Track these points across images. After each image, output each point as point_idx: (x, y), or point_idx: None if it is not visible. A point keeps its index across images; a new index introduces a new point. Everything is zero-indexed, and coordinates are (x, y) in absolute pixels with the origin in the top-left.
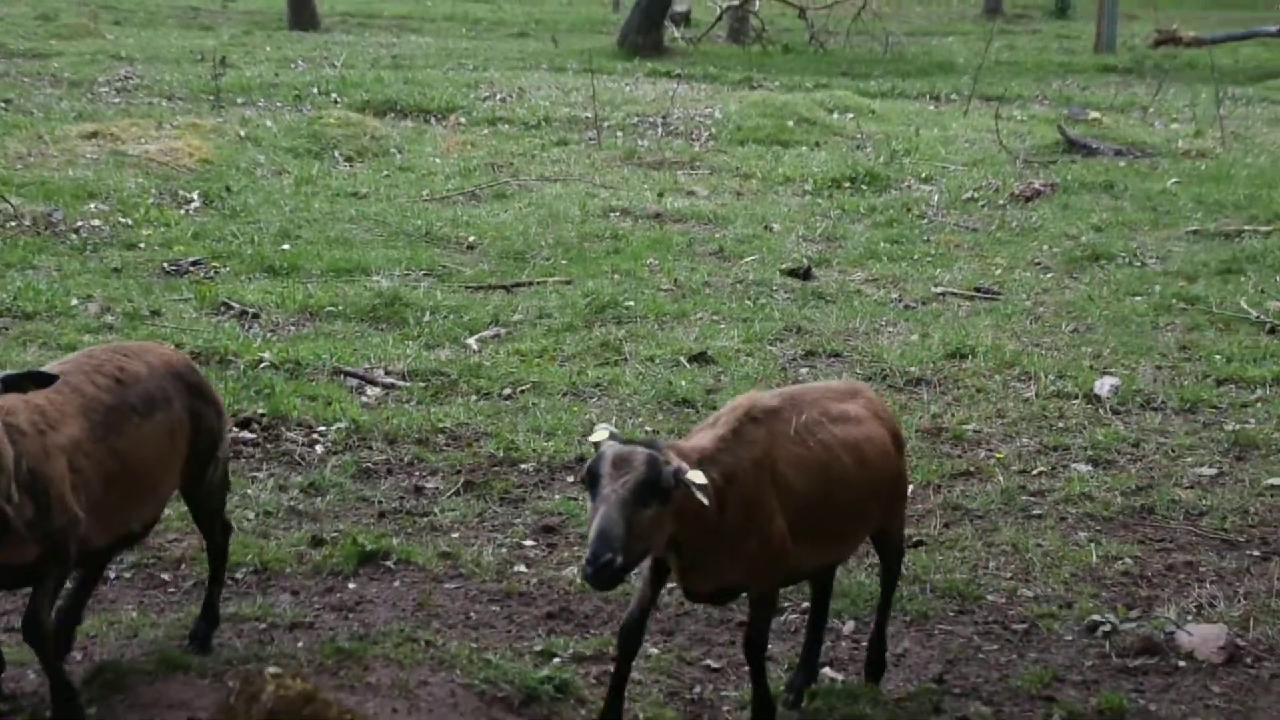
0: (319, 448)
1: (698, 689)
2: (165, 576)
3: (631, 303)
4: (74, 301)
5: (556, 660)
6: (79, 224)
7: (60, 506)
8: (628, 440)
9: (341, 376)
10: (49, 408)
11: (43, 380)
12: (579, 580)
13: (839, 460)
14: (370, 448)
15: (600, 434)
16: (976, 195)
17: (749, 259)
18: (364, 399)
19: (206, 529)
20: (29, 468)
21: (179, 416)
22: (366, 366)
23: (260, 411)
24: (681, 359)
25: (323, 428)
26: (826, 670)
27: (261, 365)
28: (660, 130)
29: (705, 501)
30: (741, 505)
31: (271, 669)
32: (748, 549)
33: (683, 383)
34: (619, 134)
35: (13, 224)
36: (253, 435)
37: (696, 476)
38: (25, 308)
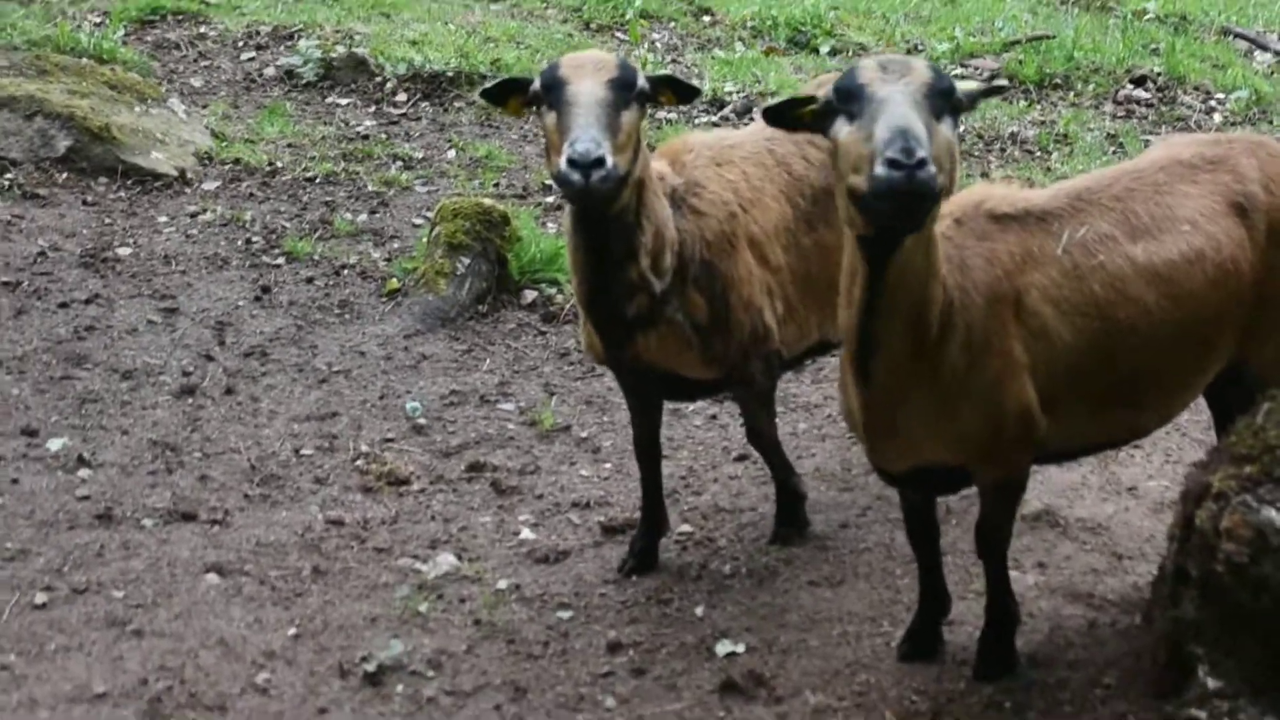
0: (1216, 116)
1: None
2: None
3: None
4: None
5: None
6: None
7: (743, 315)
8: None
9: (1230, 38)
10: (743, 185)
11: (685, 92)
12: None
13: (1132, 299)
14: (1271, 123)
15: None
16: None
17: None
18: (1255, 65)
19: None
20: (703, 259)
21: None
22: (1258, 29)
23: (1156, 70)
24: None
25: (1221, 95)
26: None
27: (1146, 17)
28: None
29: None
30: (964, 344)
31: None
32: (963, 411)
33: None
34: None
35: None
36: (1147, 95)
37: (969, 84)
38: None
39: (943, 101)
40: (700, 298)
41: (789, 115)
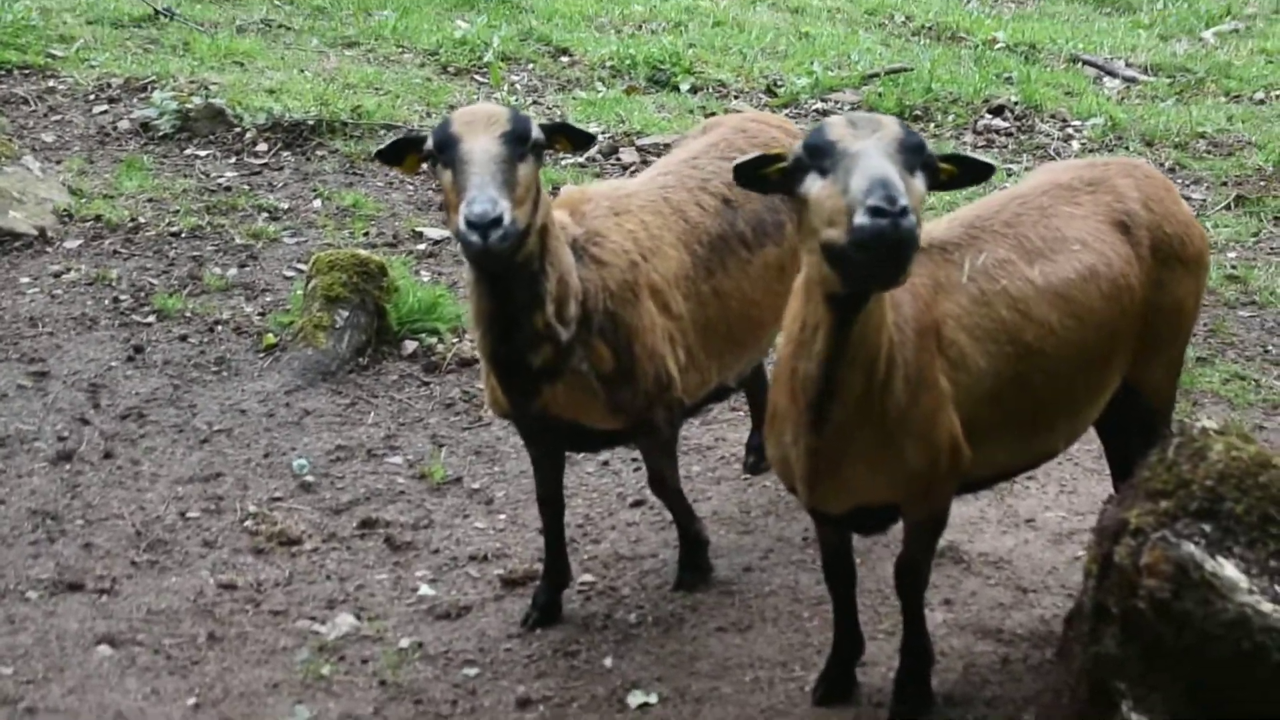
0: (1075, 143)
1: None
2: None
3: None
4: None
5: None
6: None
7: (648, 364)
8: None
9: (1080, 65)
10: (642, 233)
11: (581, 139)
12: None
13: (1037, 321)
14: (1127, 148)
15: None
16: None
17: None
18: (1106, 91)
19: None
20: (607, 309)
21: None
22: (1105, 56)
23: (1013, 99)
24: None
25: (1077, 122)
26: None
27: (997, 46)
28: None
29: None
30: (904, 379)
31: (1210, 424)
32: (906, 448)
33: None
34: None
35: None
36: (1005, 124)
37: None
38: None
39: (914, 157)
40: (605, 348)
41: (756, 175)
